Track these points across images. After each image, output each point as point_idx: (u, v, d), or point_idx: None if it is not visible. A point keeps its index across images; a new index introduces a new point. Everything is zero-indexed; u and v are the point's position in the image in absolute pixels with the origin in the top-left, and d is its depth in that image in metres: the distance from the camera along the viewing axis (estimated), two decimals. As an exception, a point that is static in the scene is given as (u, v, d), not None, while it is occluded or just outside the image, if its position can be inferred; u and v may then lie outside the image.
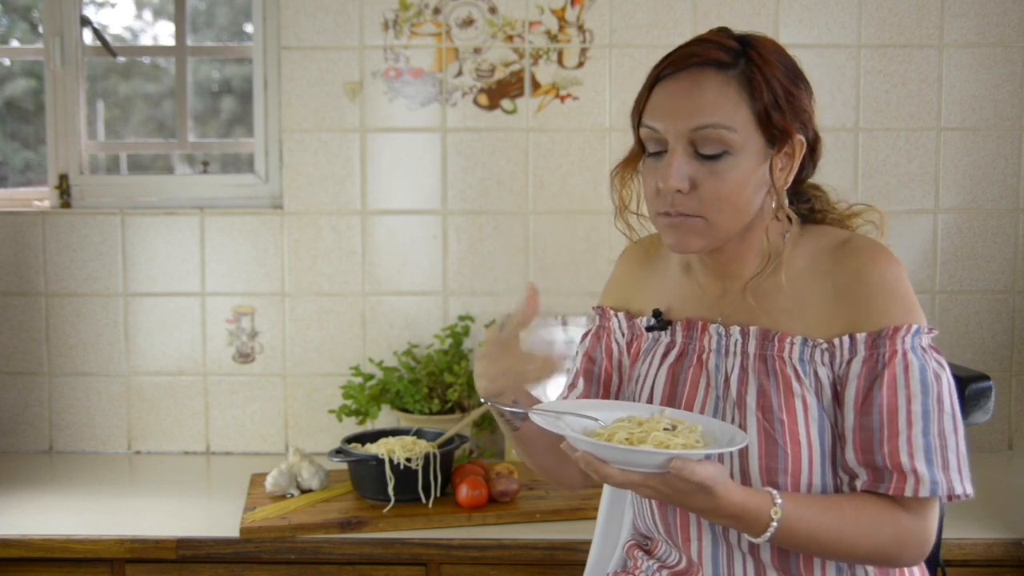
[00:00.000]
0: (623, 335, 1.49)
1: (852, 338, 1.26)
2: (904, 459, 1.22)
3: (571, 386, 1.53)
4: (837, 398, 1.28)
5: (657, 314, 1.42)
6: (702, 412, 1.34)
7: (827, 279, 1.30)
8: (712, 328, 1.36)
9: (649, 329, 1.43)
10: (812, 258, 1.32)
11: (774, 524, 1.20)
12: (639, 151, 1.35)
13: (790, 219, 1.33)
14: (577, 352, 1.55)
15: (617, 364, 1.49)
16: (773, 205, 1.31)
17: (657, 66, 1.31)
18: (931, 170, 2.51)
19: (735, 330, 1.34)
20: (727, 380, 1.33)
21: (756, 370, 1.31)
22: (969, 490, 1.24)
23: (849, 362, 1.26)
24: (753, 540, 1.23)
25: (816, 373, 1.28)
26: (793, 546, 1.25)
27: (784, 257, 1.32)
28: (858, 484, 1.26)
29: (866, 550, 1.24)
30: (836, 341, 1.27)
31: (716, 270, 1.38)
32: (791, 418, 1.27)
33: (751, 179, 1.27)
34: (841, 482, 1.28)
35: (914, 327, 1.25)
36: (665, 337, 1.41)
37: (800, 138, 1.29)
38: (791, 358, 1.29)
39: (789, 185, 1.32)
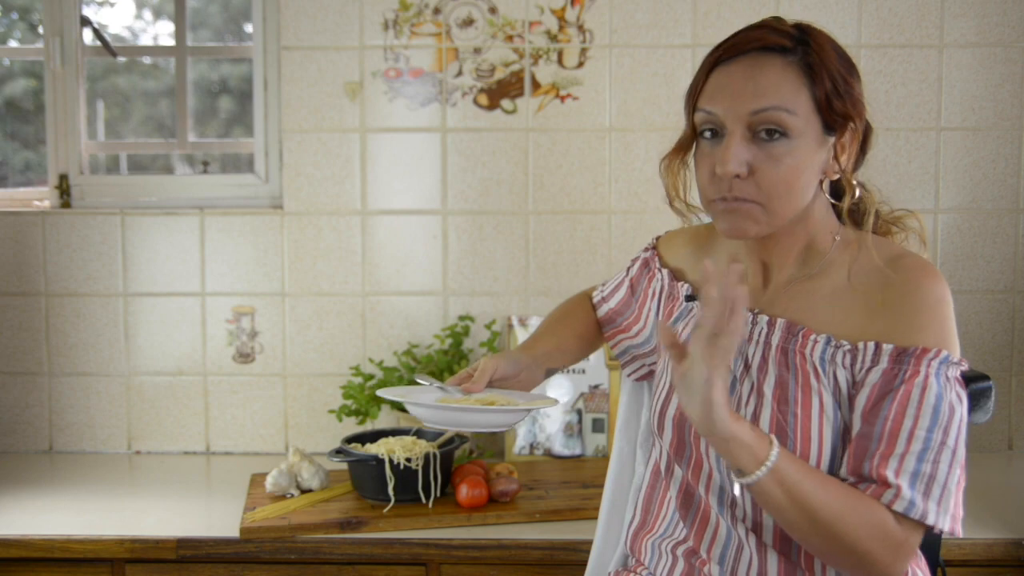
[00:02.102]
0: (662, 289, 1.53)
1: (878, 346, 1.25)
2: (890, 474, 1.20)
3: (604, 299, 1.63)
4: (852, 402, 1.27)
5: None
6: None
7: (871, 291, 1.28)
8: None
9: (688, 299, 1.46)
10: (860, 267, 1.31)
11: (774, 452, 1.18)
12: (690, 139, 1.35)
13: (840, 216, 1.33)
14: (628, 268, 1.61)
15: (648, 311, 1.55)
16: (823, 192, 1.32)
17: (714, 52, 1.31)
18: (931, 170, 2.51)
19: (762, 319, 1.34)
20: (747, 366, 1.34)
21: (777, 361, 1.31)
22: (946, 526, 1.21)
23: (869, 369, 1.25)
24: (742, 478, 1.19)
25: (835, 375, 1.28)
26: (779, 498, 1.19)
27: (831, 258, 1.32)
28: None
29: (851, 527, 1.19)
30: (860, 344, 1.26)
31: (762, 261, 1.38)
32: (806, 413, 1.27)
33: (808, 165, 1.27)
34: None
35: (944, 353, 1.23)
36: (698, 311, 1.43)
37: (856, 129, 1.30)
38: (812, 355, 1.29)
39: (842, 174, 1.32)
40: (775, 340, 1.33)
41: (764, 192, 1.26)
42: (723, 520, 1.34)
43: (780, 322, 1.33)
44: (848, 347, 1.27)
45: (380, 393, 1.47)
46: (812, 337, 1.29)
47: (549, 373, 1.55)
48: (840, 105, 1.27)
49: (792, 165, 1.26)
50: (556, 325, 1.62)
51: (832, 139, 1.30)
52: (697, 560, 1.36)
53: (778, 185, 1.26)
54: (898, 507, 1.20)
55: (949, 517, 1.22)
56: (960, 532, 1.23)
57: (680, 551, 1.39)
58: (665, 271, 1.54)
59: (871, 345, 1.25)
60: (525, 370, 1.49)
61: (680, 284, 1.50)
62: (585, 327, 1.63)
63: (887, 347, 1.24)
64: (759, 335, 1.34)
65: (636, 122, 2.50)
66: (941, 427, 1.21)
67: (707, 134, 1.31)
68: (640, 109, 2.49)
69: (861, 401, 1.25)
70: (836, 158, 1.31)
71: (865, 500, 1.21)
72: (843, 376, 1.27)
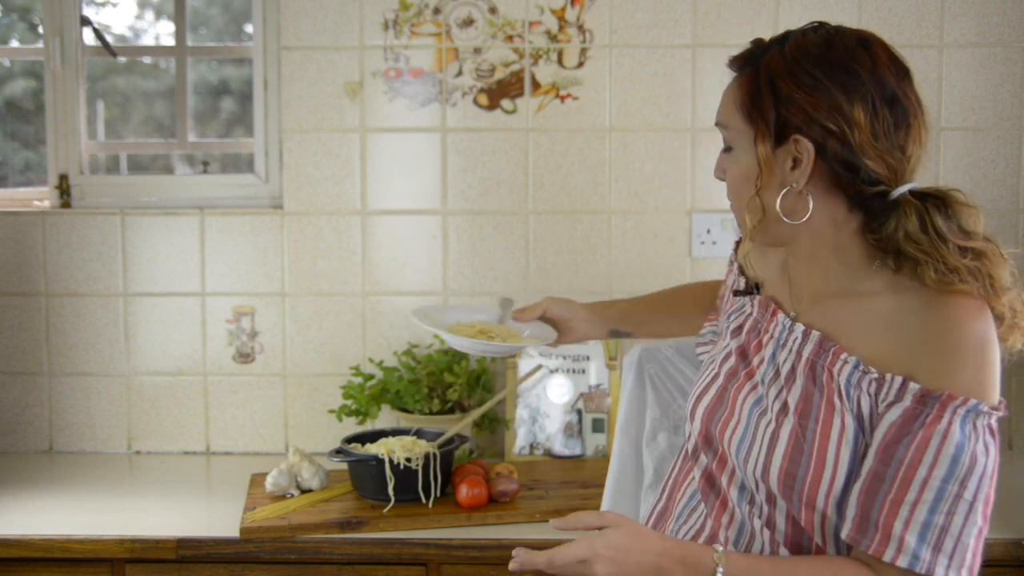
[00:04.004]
0: (733, 283, 1.54)
1: (904, 382, 1.20)
2: (898, 525, 1.17)
3: (722, 281, 1.66)
4: (873, 432, 1.23)
5: (757, 287, 1.46)
6: (748, 393, 1.35)
7: (910, 323, 1.23)
8: (780, 316, 1.36)
9: (735, 293, 1.48)
10: (905, 294, 1.25)
11: (720, 567, 1.20)
12: None
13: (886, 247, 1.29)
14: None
15: (725, 299, 1.57)
16: (808, 202, 1.29)
17: None
18: (931, 170, 2.51)
19: (798, 328, 1.32)
20: (777, 372, 1.32)
21: (805, 374, 1.29)
22: None
23: (891, 404, 1.21)
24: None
25: (859, 400, 1.24)
26: None
27: (873, 282, 1.28)
28: (843, 533, 1.22)
29: None
30: (888, 377, 1.22)
31: (794, 271, 1.39)
32: (824, 432, 1.24)
33: (746, 175, 1.31)
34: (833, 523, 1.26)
35: (972, 402, 1.18)
36: (748, 308, 1.44)
37: (801, 140, 1.26)
38: (839, 375, 1.25)
39: (800, 186, 1.27)
40: (806, 352, 1.30)
41: (728, 196, 1.38)
42: (739, 510, 1.34)
43: (814, 334, 1.30)
44: (875, 375, 1.23)
45: (415, 317, 1.68)
46: (843, 356, 1.26)
47: (614, 334, 1.65)
48: (758, 117, 1.28)
49: (733, 173, 1.35)
50: (651, 296, 1.73)
51: (780, 148, 1.27)
52: None
53: (729, 191, 1.37)
54: (902, 562, 1.17)
55: (965, 571, 1.18)
56: None
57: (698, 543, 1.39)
58: (735, 265, 1.56)
59: (898, 380, 1.21)
60: (581, 322, 1.66)
61: (740, 278, 1.51)
62: (674, 305, 1.70)
63: (913, 386, 1.19)
64: (793, 343, 1.32)
65: (636, 122, 2.50)
66: (958, 479, 1.17)
67: None
68: (640, 109, 2.49)
69: (878, 438, 1.21)
70: (773, 170, 1.28)
71: (845, 564, 1.21)
72: (866, 404, 1.23)
